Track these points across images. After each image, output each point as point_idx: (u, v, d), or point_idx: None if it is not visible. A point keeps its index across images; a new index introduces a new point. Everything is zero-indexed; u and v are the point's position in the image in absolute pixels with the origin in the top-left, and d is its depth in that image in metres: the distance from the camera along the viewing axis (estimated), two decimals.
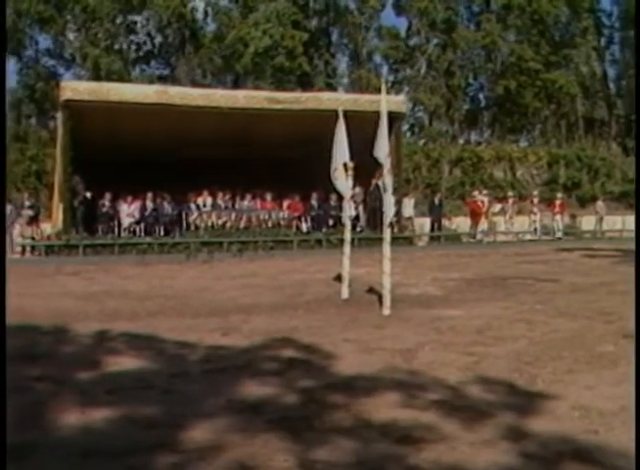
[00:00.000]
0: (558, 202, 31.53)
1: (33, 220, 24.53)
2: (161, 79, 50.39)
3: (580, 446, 4.69)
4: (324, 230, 24.75)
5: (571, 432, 4.96)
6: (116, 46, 48.78)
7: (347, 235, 12.86)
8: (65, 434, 5.05)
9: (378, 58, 53.75)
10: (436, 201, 29.39)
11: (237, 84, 46.96)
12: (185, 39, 49.22)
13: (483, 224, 29.71)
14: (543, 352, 7.55)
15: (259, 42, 45.24)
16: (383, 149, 11.06)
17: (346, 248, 12.58)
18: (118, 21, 48.98)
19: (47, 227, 24.52)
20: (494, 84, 50.72)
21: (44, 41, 48.46)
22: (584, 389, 6.10)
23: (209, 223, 24.60)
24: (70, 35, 47.76)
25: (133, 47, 51.43)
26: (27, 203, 24.97)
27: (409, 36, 52.69)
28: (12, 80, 48.19)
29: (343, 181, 12.78)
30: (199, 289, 13.90)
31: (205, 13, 48.64)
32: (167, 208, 24.73)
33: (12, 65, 47.70)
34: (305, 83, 48.49)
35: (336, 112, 13.02)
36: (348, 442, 4.78)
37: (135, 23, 50.57)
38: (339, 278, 12.74)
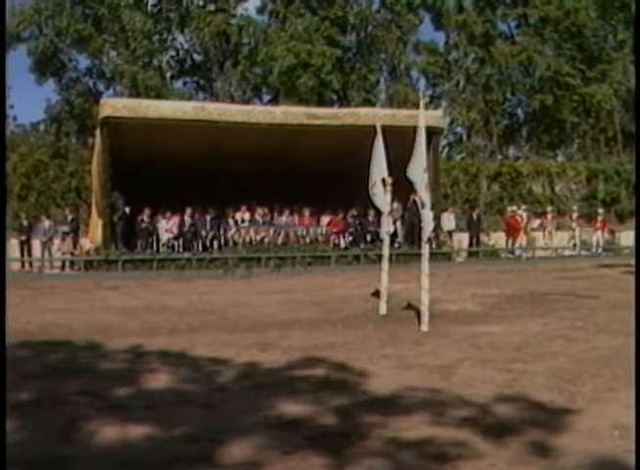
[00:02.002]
0: (600, 217, 31.28)
1: (70, 235, 24.71)
2: (200, 95, 50.80)
3: (621, 466, 4.65)
4: (362, 246, 24.71)
5: (612, 451, 4.92)
6: (155, 62, 49.13)
7: (386, 251, 12.87)
8: (104, 447, 5.11)
9: (416, 72, 53.74)
10: (475, 216, 29.27)
11: (275, 100, 47.08)
12: (225, 56, 49.45)
13: (522, 240, 29.53)
14: (583, 370, 7.50)
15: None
16: (419, 166, 11.05)
17: (385, 263, 12.58)
18: (157, 38, 49.39)
19: (86, 242, 24.75)
20: (532, 99, 50.50)
21: (84, 60, 49.02)
22: (624, 407, 6.03)
23: (247, 239, 24.65)
24: (110, 53, 48.17)
25: (172, 63, 51.80)
26: (69, 218, 25.20)
27: (447, 50, 52.64)
28: (50, 98, 48.88)
29: (382, 196, 12.79)
30: (237, 304, 13.94)
31: (242, 29, 48.55)
32: (207, 223, 24.79)
33: (54, 83, 48.39)
34: (342, 98, 48.59)
35: (374, 127, 13.05)
36: (386, 459, 4.78)
37: (174, 39, 50.97)
38: (377, 294, 12.74)
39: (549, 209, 32.98)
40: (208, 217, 24.94)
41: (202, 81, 52.60)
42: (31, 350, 8.71)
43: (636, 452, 4.44)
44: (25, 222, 24.89)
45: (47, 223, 24.71)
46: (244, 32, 47.75)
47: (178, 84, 52.44)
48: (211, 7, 48.88)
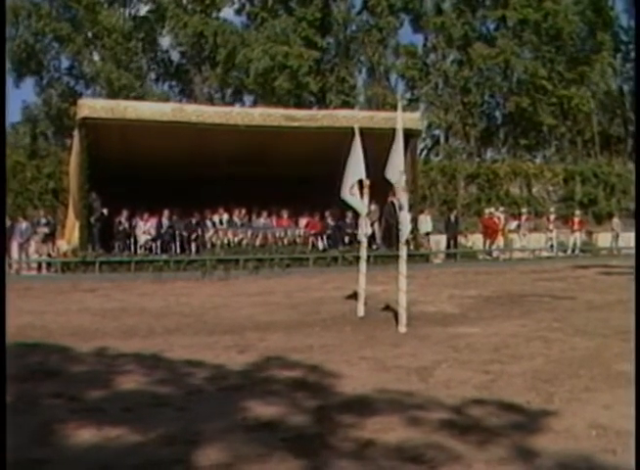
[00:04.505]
0: (577, 219, 31.37)
1: (49, 238, 24.60)
2: (179, 97, 50.68)
3: (598, 466, 4.67)
4: (340, 248, 24.70)
5: (589, 451, 4.94)
6: (134, 64, 48.94)
7: (363, 252, 12.86)
8: (80, 450, 5.07)
9: (394, 75, 53.77)
10: (452, 218, 29.33)
11: (255, 104, 47.01)
12: (202, 58, 49.32)
13: (500, 241, 29.60)
14: (560, 371, 7.52)
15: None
16: (396, 167, 11.05)
17: (362, 265, 12.57)
18: (136, 39, 49.23)
19: (63, 244, 24.62)
20: (509, 101, 50.68)
21: (65, 60, 48.84)
22: (601, 408, 6.07)
23: (225, 241, 24.59)
24: (88, 53, 47.97)
25: (151, 65, 51.66)
26: (43, 220, 25.01)
27: (426, 53, 52.68)
28: (30, 98, 48.68)
29: (359, 199, 12.78)
30: (215, 306, 13.91)
31: (217, 31, 48.22)
32: (184, 224, 24.70)
33: (32, 83, 48.25)
34: (321, 101, 48.57)
35: (352, 129, 13.04)
36: (363, 461, 4.77)
37: (154, 41, 50.78)
38: (355, 296, 12.73)
39: (524, 210, 33.03)
40: (186, 219, 24.86)
41: (181, 84, 52.50)
42: (7, 352, 8.65)
43: (636, 452, 4.45)
44: (9, 223, 24.65)
45: (24, 225, 24.53)
46: (220, 35, 47.52)
47: (157, 86, 52.35)
48: (190, 8, 48.67)
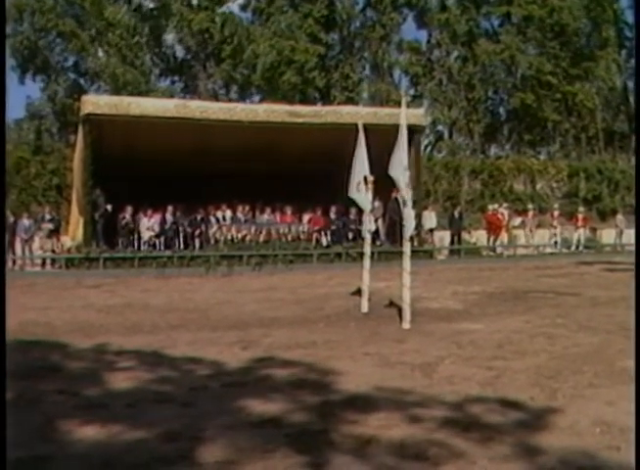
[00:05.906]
0: (581, 216, 31.32)
1: (53, 234, 24.59)
2: (183, 93, 50.59)
3: (602, 463, 4.66)
4: (344, 244, 24.67)
5: (593, 448, 4.93)
6: (138, 60, 48.86)
7: (367, 249, 12.84)
8: (84, 446, 5.07)
9: (398, 71, 53.72)
10: (456, 214, 29.28)
11: (260, 100, 46.96)
12: (207, 54, 49.28)
13: (503, 237, 29.57)
14: (564, 367, 7.51)
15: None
16: (400, 164, 11.04)
17: (366, 261, 12.56)
18: (141, 35, 49.16)
19: (67, 240, 24.61)
20: (513, 97, 50.63)
21: (69, 57, 48.69)
22: (605, 404, 6.06)
23: (229, 237, 24.57)
24: (92, 49, 47.86)
25: (155, 61, 51.58)
26: (47, 216, 25.00)
27: (430, 49, 52.62)
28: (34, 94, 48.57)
29: (363, 195, 12.77)
30: (219, 302, 13.91)
31: (224, 27, 48.12)
32: (188, 220, 24.70)
33: (36, 80, 48.17)
34: (325, 96, 48.53)
35: (356, 125, 13.02)
36: (366, 457, 4.77)
37: (158, 36, 50.69)
38: (359, 292, 12.71)
39: (530, 206, 33.05)
40: (190, 215, 24.85)
41: (185, 80, 52.42)
42: (10, 348, 8.65)
43: (636, 452, 4.44)
44: (12, 219, 24.53)
45: (27, 222, 24.45)
46: (228, 26, 47.48)
47: (162, 83, 52.31)
48: (195, 3, 48.61)
